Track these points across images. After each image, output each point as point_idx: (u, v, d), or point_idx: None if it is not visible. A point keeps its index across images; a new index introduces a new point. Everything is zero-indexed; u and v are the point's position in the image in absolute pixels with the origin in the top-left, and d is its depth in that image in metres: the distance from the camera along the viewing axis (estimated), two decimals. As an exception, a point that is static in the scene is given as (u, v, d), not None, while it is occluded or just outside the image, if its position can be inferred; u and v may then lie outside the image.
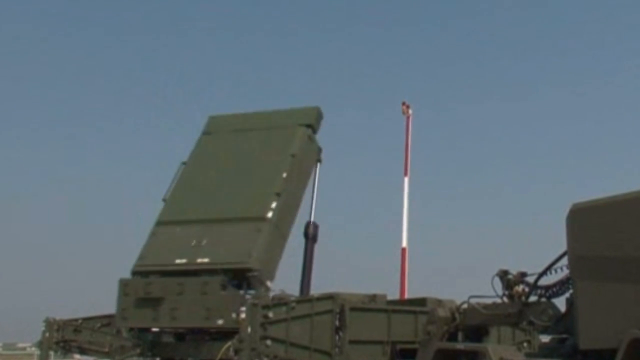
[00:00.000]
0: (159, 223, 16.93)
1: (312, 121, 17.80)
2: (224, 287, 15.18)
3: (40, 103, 69.11)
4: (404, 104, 27.84)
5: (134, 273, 16.17)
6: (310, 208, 17.99)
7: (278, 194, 16.39)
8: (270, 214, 16.19)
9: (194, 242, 16.10)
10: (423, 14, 67.49)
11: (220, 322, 15.07)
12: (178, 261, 15.88)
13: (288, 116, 17.93)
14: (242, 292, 15.38)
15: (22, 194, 63.44)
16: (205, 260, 15.67)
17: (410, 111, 27.72)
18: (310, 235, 17.75)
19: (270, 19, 67.70)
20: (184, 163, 17.95)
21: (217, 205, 16.72)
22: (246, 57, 65.41)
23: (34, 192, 63.60)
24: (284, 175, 16.61)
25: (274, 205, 16.31)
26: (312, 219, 17.84)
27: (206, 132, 18.50)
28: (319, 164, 18.12)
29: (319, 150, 18.05)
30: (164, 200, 17.40)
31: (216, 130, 18.51)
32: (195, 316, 15.17)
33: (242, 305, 15.02)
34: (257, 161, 17.21)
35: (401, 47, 67.08)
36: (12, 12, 64.34)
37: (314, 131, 17.92)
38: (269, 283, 15.73)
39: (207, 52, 67.52)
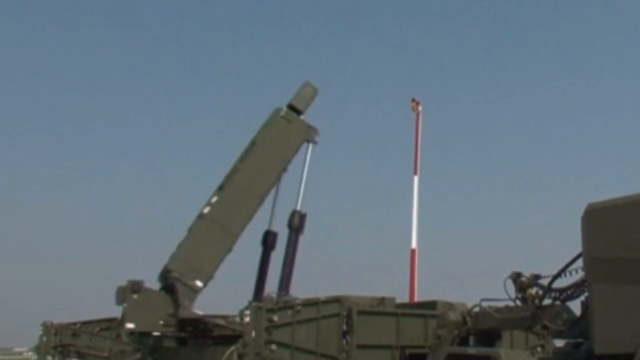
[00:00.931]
0: None
1: (292, 100, 17.33)
2: (134, 291, 15.72)
3: (38, 104, 69.15)
4: (413, 100, 27.78)
5: None
6: (297, 195, 17.43)
7: (221, 187, 16.39)
8: (207, 210, 16.28)
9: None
10: (432, 9, 67.36)
11: (130, 325, 15.87)
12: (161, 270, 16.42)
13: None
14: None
15: (20, 195, 63.54)
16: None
17: (420, 108, 27.67)
18: (295, 226, 17.30)
19: (278, 16, 67.65)
20: None
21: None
22: (252, 55, 65.38)
23: (31, 193, 63.69)
24: (235, 165, 16.53)
25: (214, 200, 16.36)
26: (298, 207, 17.35)
27: None
28: (310, 145, 17.72)
29: (308, 129, 17.28)
30: None
31: None
32: (122, 320, 16.02)
33: (169, 307, 15.69)
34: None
35: (411, 42, 66.97)
36: (21, 11, 64.42)
37: (297, 110, 17.30)
38: (198, 283, 15.83)
39: (212, 50, 67.53)
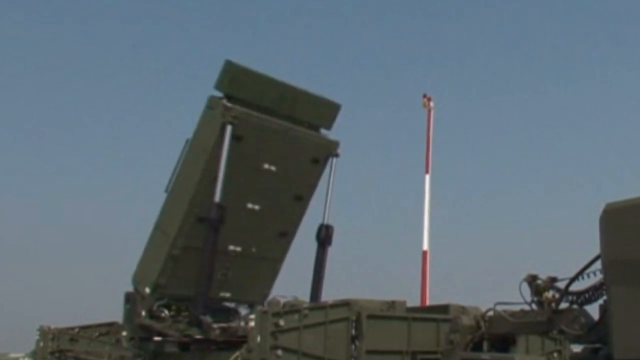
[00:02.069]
0: None
1: (216, 83, 16.53)
2: (127, 301, 16.71)
3: (29, 99, 69.32)
4: (424, 96, 27.92)
5: None
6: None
7: (166, 191, 16.63)
8: (157, 216, 16.76)
9: None
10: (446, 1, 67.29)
11: (124, 333, 17.15)
12: None
13: None
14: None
15: (15, 193, 63.70)
16: None
17: (431, 104, 27.83)
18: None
19: (287, 9, 67.69)
20: None
21: None
22: (258, 51, 65.42)
23: (27, 191, 63.83)
24: (174, 167, 16.69)
25: (162, 205, 16.63)
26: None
27: None
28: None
29: (226, 111, 16.16)
30: None
31: None
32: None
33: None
34: None
35: (422, 35, 66.98)
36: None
37: (224, 91, 16.45)
38: (147, 289, 16.34)
39: (220, 45, 67.57)
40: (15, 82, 67.57)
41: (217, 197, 15.88)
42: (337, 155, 17.91)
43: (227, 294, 17.16)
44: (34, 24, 68.29)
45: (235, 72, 16.35)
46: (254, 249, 17.35)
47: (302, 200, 17.80)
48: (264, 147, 16.53)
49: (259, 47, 64.17)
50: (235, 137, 16.12)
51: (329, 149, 17.81)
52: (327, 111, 17.77)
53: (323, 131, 17.83)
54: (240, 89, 16.43)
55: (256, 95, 16.58)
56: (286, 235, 17.84)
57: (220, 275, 16.88)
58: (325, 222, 17.97)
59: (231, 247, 16.85)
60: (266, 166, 16.68)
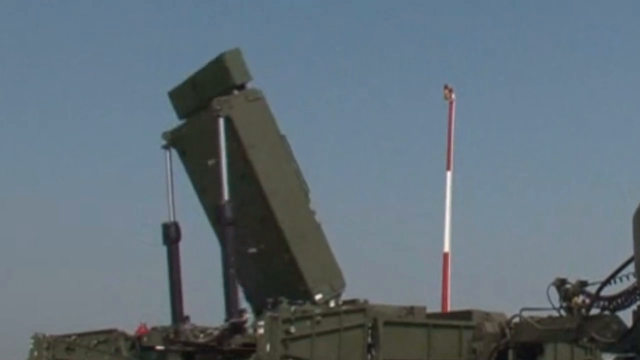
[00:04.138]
0: None
1: (178, 116, 18.08)
2: None
3: (23, 94, 69.43)
4: (446, 87, 27.84)
5: None
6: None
7: None
8: None
9: None
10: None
11: None
12: None
13: None
14: None
15: (9, 191, 63.88)
16: None
17: (453, 96, 27.72)
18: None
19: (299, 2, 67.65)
20: None
21: None
22: (276, 37, 65.42)
23: (20, 188, 64.03)
24: None
25: None
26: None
27: None
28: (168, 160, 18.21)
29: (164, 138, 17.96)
30: None
31: None
32: None
33: None
34: None
35: (442, 19, 66.77)
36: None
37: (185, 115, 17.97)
38: None
39: (218, 41, 67.60)
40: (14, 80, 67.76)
41: (172, 217, 17.37)
42: (219, 116, 16.07)
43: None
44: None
45: (178, 96, 17.73)
46: (262, 245, 17.17)
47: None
48: (201, 146, 17.14)
49: (273, 37, 64.24)
50: (180, 154, 17.73)
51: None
52: (228, 67, 16.75)
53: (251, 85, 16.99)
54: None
55: (187, 106, 17.68)
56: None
57: (262, 279, 16.97)
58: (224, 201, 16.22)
59: (249, 250, 16.89)
60: (210, 162, 16.72)
